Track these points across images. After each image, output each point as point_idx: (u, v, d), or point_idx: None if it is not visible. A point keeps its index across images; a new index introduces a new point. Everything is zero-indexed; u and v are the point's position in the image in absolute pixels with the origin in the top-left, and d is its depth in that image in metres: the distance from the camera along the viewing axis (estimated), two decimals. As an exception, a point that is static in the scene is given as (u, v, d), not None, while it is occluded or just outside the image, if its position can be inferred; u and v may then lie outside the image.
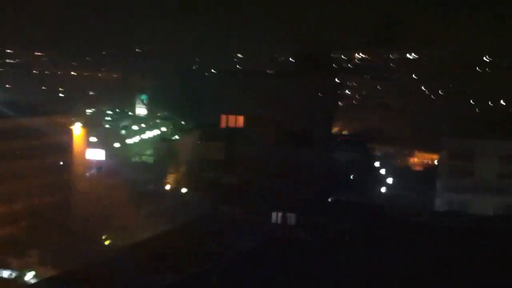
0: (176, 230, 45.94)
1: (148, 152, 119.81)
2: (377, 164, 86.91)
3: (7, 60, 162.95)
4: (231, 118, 65.64)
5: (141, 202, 78.98)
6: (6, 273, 57.60)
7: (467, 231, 39.48)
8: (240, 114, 63.06)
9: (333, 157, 65.25)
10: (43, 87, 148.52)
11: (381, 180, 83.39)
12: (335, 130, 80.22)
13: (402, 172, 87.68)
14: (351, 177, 71.04)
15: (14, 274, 57.22)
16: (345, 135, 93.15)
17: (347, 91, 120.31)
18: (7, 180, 62.09)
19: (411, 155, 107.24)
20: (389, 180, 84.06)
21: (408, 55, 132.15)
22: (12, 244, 59.89)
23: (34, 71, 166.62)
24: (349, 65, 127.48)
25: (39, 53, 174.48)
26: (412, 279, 29.57)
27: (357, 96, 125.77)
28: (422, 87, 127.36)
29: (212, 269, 32.18)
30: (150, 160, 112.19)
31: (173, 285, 30.25)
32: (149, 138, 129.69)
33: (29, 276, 58.16)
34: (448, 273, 30.57)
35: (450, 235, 37.87)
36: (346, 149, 70.94)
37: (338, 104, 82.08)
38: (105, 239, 64.33)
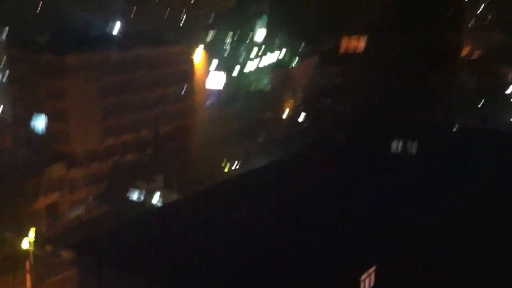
0: (290, 158, 45.71)
1: (266, 79, 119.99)
2: (509, 90, 79.99)
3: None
4: (350, 42, 62.69)
5: (258, 130, 79.88)
6: (135, 196, 61.51)
7: None
8: (360, 36, 59.85)
9: (460, 82, 60.75)
10: (164, 17, 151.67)
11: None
12: (463, 52, 74.13)
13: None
14: (479, 104, 66.16)
15: (142, 197, 60.95)
16: (473, 58, 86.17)
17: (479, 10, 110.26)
18: (132, 110, 64.99)
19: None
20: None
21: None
22: (139, 169, 63.54)
23: (155, 0, 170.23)
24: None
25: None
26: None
27: (489, 16, 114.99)
28: None
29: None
30: (268, 87, 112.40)
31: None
32: (267, 65, 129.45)
33: (156, 199, 61.78)
34: None
35: None
36: (473, 73, 65.70)
37: (467, 23, 75.49)
38: (224, 166, 66.12)
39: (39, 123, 61.29)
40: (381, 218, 29.72)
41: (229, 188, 37.09)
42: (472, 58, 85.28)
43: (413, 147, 44.92)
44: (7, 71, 69.53)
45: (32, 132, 62.42)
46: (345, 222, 29.19)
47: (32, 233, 46.34)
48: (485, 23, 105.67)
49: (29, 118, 62.30)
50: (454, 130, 53.26)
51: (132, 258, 25.33)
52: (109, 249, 26.66)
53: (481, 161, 37.09)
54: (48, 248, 49.42)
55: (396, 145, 45.64)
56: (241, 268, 24.82)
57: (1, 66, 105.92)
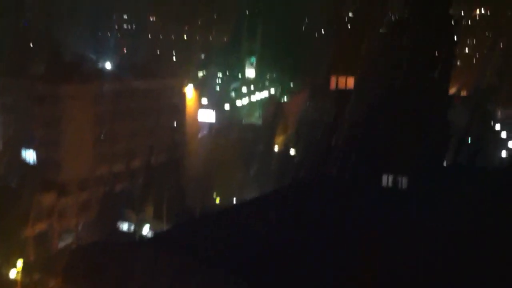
0: (283, 192, 45.94)
1: (257, 113, 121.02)
2: (497, 126, 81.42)
3: (124, 26, 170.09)
4: (341, 79, 63.91)
5: (250, 163, 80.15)
6: (125, 226, 61.20)
7: None
8: (350, 75, 61.23)
9: (449, 119, 61.72)
10: (157, 51, 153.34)
11: (502, 144, 78.16)
12: (452, 90, 75.65)
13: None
14: (469, 140, 67.09)
15: (132, 227, 60.62)
16: (463, 96, 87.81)
17: (466, 49, 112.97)
18: (124, 139, 65.18)
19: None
20: (511, 144, 78.62)
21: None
22: (130, 199, 63.35)
23: (149, 36, 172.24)
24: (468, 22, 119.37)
25: (153, 19, 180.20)
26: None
27: (477, 55, 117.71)
28: None
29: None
30: (259, 121, 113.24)
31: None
32: (258, 100, 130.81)
33: (145, 229, 61.44)
34: None
35: None
36: (463, 110, 66.87)
37: (456, 63, 77.11)
38: (215, 197, 66.13)
39: (30, 151, 61.23)
40: (372, 254, 29.72)
41: (219, 219, 37.10)
42: (461, 96, 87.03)
43: (403, 183, 45.46)
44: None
45: (22, 160, 62.27)
46: (333, 259, 29.08)
47: (20, 262, 45.88)
48: (473, 62, 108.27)
49: (20, 146, 62.24)
50: (444, 166, 53.97)
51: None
52: (98, 278, 26.49)
53: (471, 199, 37.48)
54: (36, 276, 48.80)
55: (387, 180, 46.19)
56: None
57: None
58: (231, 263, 27.59)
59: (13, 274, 44.95)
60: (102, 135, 62.66)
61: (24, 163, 61.97)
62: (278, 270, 27.03)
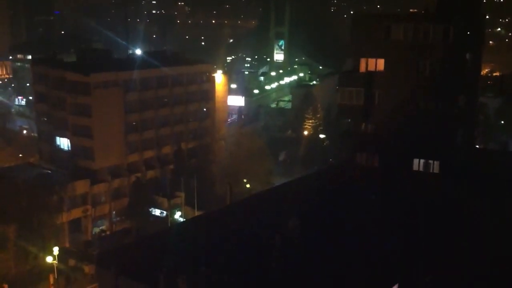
0: (310, 178, 46.10)
1: (286, 98, 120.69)
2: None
3: (153, 11, 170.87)
4: (371, 62, 63.02)
5: (278, 148, 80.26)
6: (157, 212, 62.20)
7: None
8: (380, 57, 60.24)
9: (480, 103, 60.65)
10: (186, 37, 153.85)
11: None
12: (484, 72, 74.13)
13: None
14: (501, 122, 65.93)
15: (164, 213, 61.59)
16: (495, 77, 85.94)
17: (499, 28, 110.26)
18: (155, 127, 65.92)
19: None
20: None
21: None
22: (161, 185, 64.27)
23: (177, 21, 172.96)
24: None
25: (181, 3, 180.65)
26: None
27: (510, 34, 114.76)
28: None
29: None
30: (288, 105, 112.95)
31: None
32: (287, 84, 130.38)
33: (177, 215, 62.38)
34: None
35: None
36: (495, 92, 65.57)
37: (485, 44, 75.40)
38: (245, 184, 66.43)
39: (64, 139, 62.49)
40: (404, 237, 29.86)
41: (250, 206, 37.52)
42: (492, 76, 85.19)
43: (434, 167, 44.93)
44: (33, 88, 71.01)
45: (57, 148, 63.65)
46: (367, 242, 29.33)
47: (55, 247, 47.12)
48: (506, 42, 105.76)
49: (54, 134, 63.55)
50: (475, 150, 53.16)
51: (151, 272, 25.68)
52: (130, 263, 27.07)
53: (501, 182, 37.19)
54: (71, 262, 50.11)
55: (418, 164, 45.68)
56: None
57: (27, 84, 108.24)
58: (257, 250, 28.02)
59: (49, 258, 46.19)
60: (133, 123, 63.47)
61: (58, 151, 63.30)
62: (302, 259, 27.35)
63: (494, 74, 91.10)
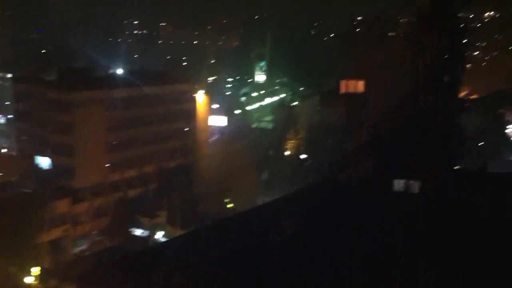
0: (293, 196, 46.21)
1: (268, 118, 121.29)
2: (509, 130, 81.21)
3: (135, 31, 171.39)
4: (351, 83, 63.98)
5: (261, 167, 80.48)
6: (138, 232, 61.76)
7: None
8: (360, 78, 61.30)
9: (459, 123, 61.79)
10: (168, 57, 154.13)
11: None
12: (462, 94, 75.68)
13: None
14: (480, 144, 67.09)
15: (145, 233, 61.16)
16: (473, 99, 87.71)
17: (476, 52, 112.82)
18: (137, 145, 65.82)
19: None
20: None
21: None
22: (143, 204, 63.94)
23: (159, 41, 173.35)
24: (478, 25, 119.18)
25: (164, 24, 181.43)
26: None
27: (486, 58, 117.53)
28: None
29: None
30: (270, 126, 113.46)
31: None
32: (268, 105, 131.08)
33: (159, 235, 61.97)
34: None
35: None
36: (474, 114, 66.75)
37: (465, 66, 77.07)
38: (227, 202, 66.49)
39: (45, 158, 62.04)
40: (385, 257, 30.00)
41: (232, 225, 37.45)
42: (471, 99, 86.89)
43: (415, 187, 45.47)
44: (14, 106, 70.62)
45: (37, 167, 63.11)
46: (350, 262, 29.39)
47: (36, 267, 46.55)
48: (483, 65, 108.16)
49: (34, 153, 63.09)
50: (454, 170, 53.92)
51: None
52: (111, 283, 26.83)
53: (482, 203, 37.60)
54: (52, 283, 49.45)
55: (398, 184, 46.24)
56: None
57: (7, 102, 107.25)
58: (241, 269, 27.96)
59: (29, 279, 45.59)
60: (115, 141, 63.34)
61: (39, 169, 62.77)
62: (286, 276, 27.35)
63: (471, 96, 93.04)
